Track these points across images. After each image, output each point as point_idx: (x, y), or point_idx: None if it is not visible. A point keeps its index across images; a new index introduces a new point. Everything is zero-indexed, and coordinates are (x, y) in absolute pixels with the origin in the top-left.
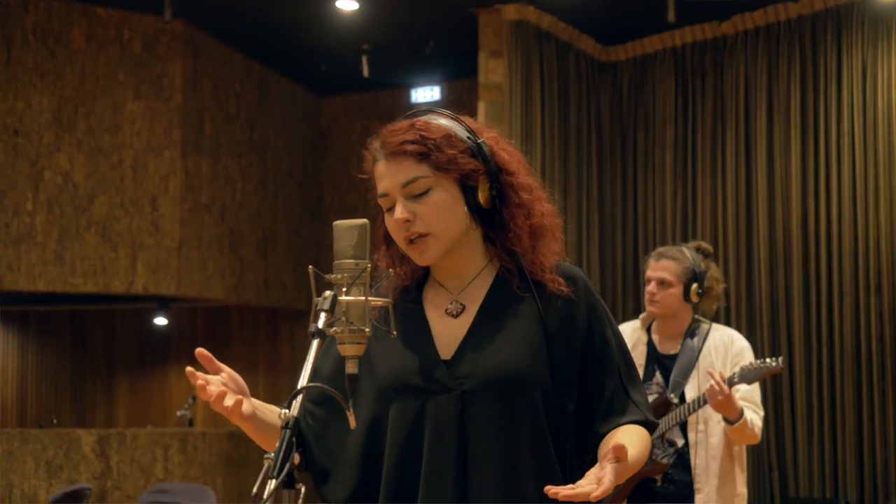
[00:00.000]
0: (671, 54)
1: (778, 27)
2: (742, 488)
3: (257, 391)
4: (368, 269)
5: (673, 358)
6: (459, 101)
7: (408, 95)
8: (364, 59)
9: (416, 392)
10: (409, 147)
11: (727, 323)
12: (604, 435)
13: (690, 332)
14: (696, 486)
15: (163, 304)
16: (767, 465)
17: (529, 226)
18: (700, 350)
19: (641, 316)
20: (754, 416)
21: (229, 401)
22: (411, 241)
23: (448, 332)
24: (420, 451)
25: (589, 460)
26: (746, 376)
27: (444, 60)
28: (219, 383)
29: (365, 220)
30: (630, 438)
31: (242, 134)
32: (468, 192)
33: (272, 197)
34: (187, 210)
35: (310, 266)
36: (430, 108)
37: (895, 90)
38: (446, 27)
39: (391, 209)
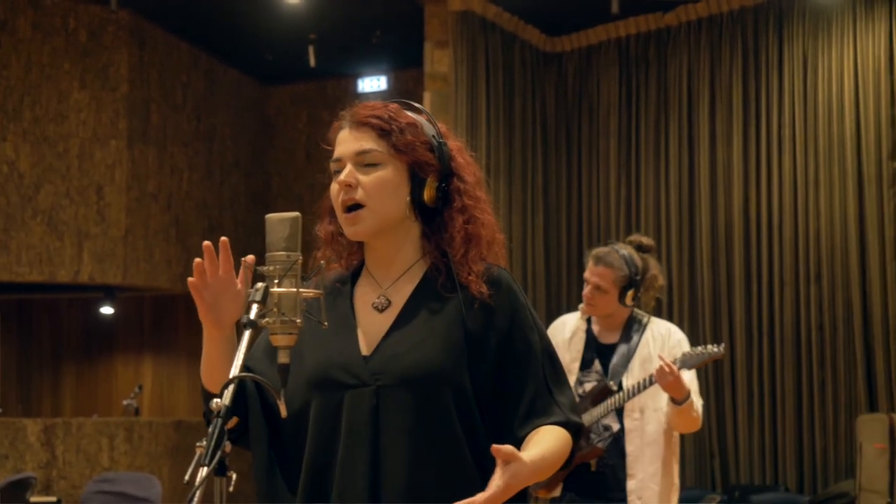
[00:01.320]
0: (615, 45)
1: (720, 19)
2: (676, 478)
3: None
4: (299, 262)
5: (612, 347)
6: (405, 91)
7: (354, 85)
8: (310, 49)
9: (335, 386)
10: (375, 121)
11: (670, 311)
12: (523, 437)
13: (629, 325)
14: (629, 471)
15: (109, 293)
16: (709, 451)
17: (465, 230)
18: (639, 341)
19: (580, 306)
20: (698, 399)
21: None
22: (348, 211)
23: (372, 326)
24: (337, 444)
25: None
26: (688, 362)
27: (390, 50)
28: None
29: (297, 214)
30: (543, 439)
31: (189, 123)
32: (416, 182)
33: (218, 186)
34: (133, 199)
35: (241, 258)
36: (406, 101)
37: (835, 81)
38: (392, 17)
39: (339, 174)
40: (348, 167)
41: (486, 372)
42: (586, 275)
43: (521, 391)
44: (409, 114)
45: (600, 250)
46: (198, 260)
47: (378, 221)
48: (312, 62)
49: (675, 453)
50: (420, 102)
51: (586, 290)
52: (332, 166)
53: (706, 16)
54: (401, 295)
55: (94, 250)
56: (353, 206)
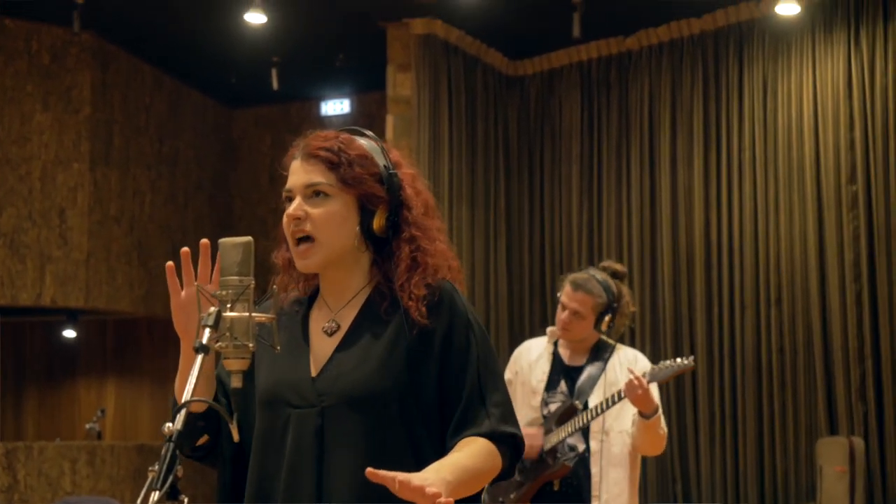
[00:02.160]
0: (577, 69)
1: (681, 43)
2: (636, 500)
3: (167, 404)
4: (252, 286)
5: (579, 369)
6: (368, 114)
7: (318, 108)
8: (274, 72)
9: (283, 405)
10: (324, 154)
11: (632, 334)
12: (451, 448)
13: (596, 349)
14: (594, 492)
15: (71, 316)
16: (671, 475)
17: (412, 258)
18: (605, 366)
19: (549, 330)
20: (663, 421)
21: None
22: (298, 243)
23: (321, 349)
24: (281, 463)
25: None
26: (658, 374)
27: (353, 74)
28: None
29: (249, 238)
30: (457, 450)
31: (152, 146)
32: (365, 214)
33: (182, 209)
34: (96, 222)
35: (195, 283)
36: (361, 129)
37: (794, 106)
38: (355, 41)
39: (290, 203)
40: (297, 199)
41: (430, 389)
42: (564, 300)
43: (455, 401)
44: (362, 142)
45: (578, 276)
46: (171, 264)
47: (327, 254)
48: (276, 85)
49: (637, 477)
50: (383, 126)
51: (564, 315)
52: (284, 195)
53: (667, 40)
54: (348, 319)
55: (57, 273)
56: (304, 238)
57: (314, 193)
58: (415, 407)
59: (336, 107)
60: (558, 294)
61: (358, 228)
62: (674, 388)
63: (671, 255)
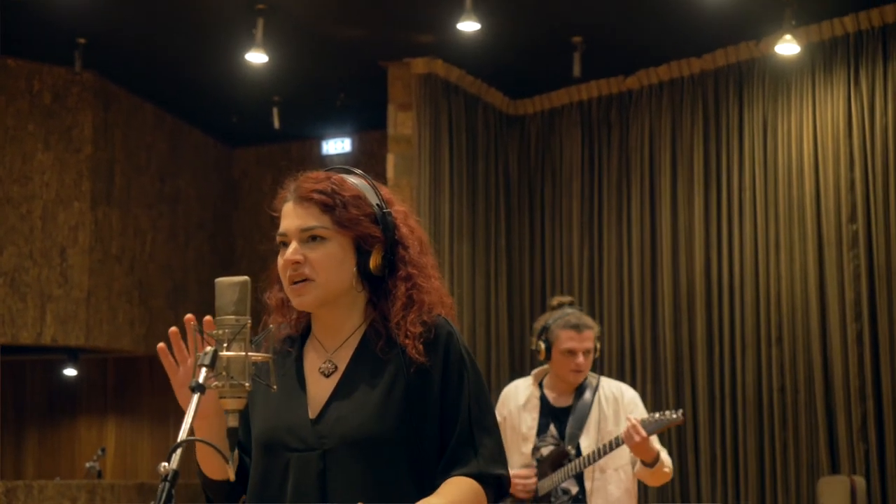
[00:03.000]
0: (577, 108)
1: (681, 82)
2: None
3: (167, 443)
4: (248, 326)
5: (566, 410)
6: (369, 153)
7: (319, 147)
8: (275, 111)
9: (283, 449)
10: (318, 196)
11: (633, 373)
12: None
13: (581, 386)
14: None
15: (72, 355)
16: None
17: (408, 296)
18: (592, 402)
19: (534, 372)
20: (666, 455)
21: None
22: (294, 283)
23: (319, 390)
24: None
25: None
26: (648, 428)
27: (354, 113)
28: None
29: (246, 278)
30: (442, 491)
31: (153, 185)
32: (361, 254)
33: (183, 248)
34: (97, 261)
35: (192, 322)
36: (350, 168)
37: (795, 145)
38: (356, 80)
39: (285, 247)
40: (294, 244)
41: (431, 428)
42: (571, 345)
43: (447, 439)
44: (353, 182)
45: (571, 318)
46: (162, 345)
47: (325, 294)
48: (277, 124)
49: None
50: (384, 164)
51: (578, 359)
52: (279, 239)
53: (667, 79)
54: (344, 359)
55: (57, 312)
56: (301, 280)
57: (310, 238)
58: (417, 446)
59: (337, 146)
60: (537, 346)
61: (355, 269)
62: (675, 428)
63: (672, 293)
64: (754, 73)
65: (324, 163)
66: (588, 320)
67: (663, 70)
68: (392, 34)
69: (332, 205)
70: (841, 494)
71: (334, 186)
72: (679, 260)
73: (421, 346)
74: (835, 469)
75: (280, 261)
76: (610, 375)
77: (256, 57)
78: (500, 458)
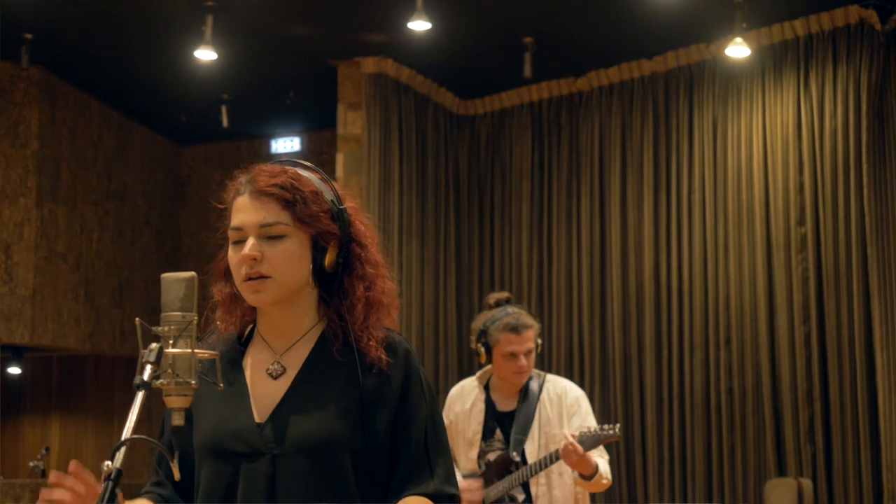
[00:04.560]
0: (528, 109)
1: (632, 84)
2: None
3: (111, 441)
4: (195, 322)
5: (511, 415)
6: (319, 152)
7: (268, 145)
8: (224, 109)
9: (229, 454)
10: (278, 191)
11: (581, 375)
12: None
13: (526, 387)
14: None
15: (16, 353)
16: None
17: (366, 297)
18: (536, 404)
19: (479, 373)
20: (605, 465)
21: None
22: (250, 279)
23: (266, 393)
24: None
25: None
26: (584, 443)
27: (303, 111)
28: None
29: (193, 273)
30: None
31: (100, 182)
32: (318, 251)
33: (129, 245)
34: (42, 258)
35: (136, 318)
36: (302, 161)
37: (744, 148)
38: (306, 79)
39: (239, 243)
40: (251, 240)
41: (383, 436)
42: (513, 348)
43: (400, 457)
44: (308, 176)
45: (510, 319)
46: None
47: (282, 291)
48: (225, 122)
49: None
50: (333, 164)
51: (520, 361)
52: (232, 235)
53: (618, 81)
54: (296, 361)
55: (2, 310)
56: (257, 277)
57: (269, 234)
58: (368, 453)
59: (286, 144)
60: (477, 349)
61: (311, 266)
62: (623, 429)
63: (621, 295)
64: (705, 75)
65: (272, 162)
66: (527, 319)
67: (614, 72)
68: (342, 33)
69: (293, 200)
70: (788, 497)
71: (293, 181)
72: (628, 262)
73: (383, 351)
74: (782, 471)
75: (232, 255)
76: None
77: (205, 54)
78: (453, 478)
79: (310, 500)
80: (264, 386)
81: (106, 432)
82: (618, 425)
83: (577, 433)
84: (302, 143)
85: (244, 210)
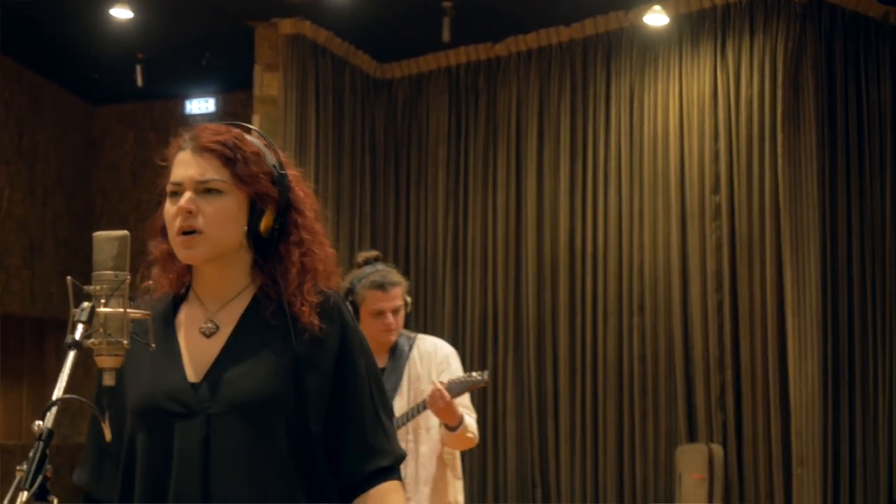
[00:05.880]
0: (445, 73)
1: (550, 50)
2: (458, 496)
3: (21, 404)
4: (127, 281)
5: (381, 371)
6: (234, 114)
7: (182, 106)
8: (138, 69)
9: (164, 415)
10: (219, 148)
11: (495, 341)
12: (364, 476)
13: (397, 345)
14: (407, 495)
15: None
16: (531, 481)
17: (302, 263)
18: (406, 361)
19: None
20: (471, 421)
21: None
22: (183, 234)
23: (199, 352)
24: (169, 475)
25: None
26: (452, 389)
27: (219, 72)
28: None
29: (125, 232)
30: None
31: (11, 141)
32: (255, 212)
33: (40, 206)
34: None
35: (68, 277)
36: (248, 125)
37: (661, 116)
38: (222, 39)
39: (176, 195)
40: (188, 193)
41: (318, 397)
42: (381, 305)
43: (352, 419)
44: (253, 140)
45: (375, 276)
46: None
47: (213, 249)
48: (140, 82)
49: (456, 471)
50: (249, 125)
51: (387, 318)
52: (170, 188)
53: (536, 47)
54: (229, 319)
55: None
56: (190, 231)
57: (206, 189)
58: (304, 413)
59: (201, 105)
60: (368, 307)
61: (246, 227)
62: (535, 394)
63: (536, 261)
64: (622, 43)
65: (187, 122)
66: (394, 276)
67: (532, 38)
68: None
69: (234, 158)
70: (698, 462)
71: (236, 140)
72: (543, 228)
73: (316, 316)
74: (693, 437)
75: (169, 208)
76: (472, 342)
77: (121, 12)
78: (395, 435)
79: (244, 459)
80: (198, 345)
81: (15, 394)
82: (486, 371)
83: (445, 381)
84: (217, 103)
85: (184, 164)
